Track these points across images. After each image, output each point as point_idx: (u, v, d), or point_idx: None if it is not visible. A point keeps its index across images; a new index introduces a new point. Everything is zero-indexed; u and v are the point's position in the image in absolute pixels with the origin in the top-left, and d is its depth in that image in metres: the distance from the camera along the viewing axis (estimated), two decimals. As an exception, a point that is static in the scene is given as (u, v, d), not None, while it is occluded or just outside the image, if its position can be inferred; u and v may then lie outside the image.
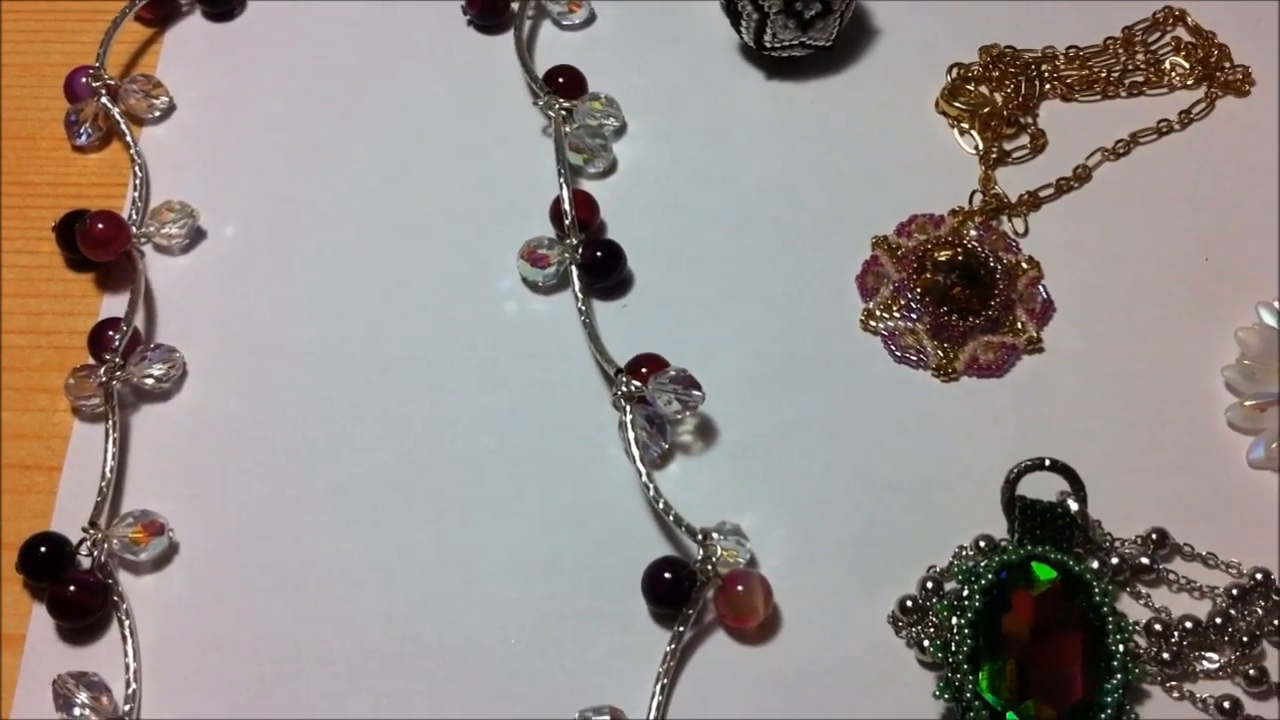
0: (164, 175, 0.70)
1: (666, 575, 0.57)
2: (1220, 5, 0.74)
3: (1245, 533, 0.59)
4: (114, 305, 0.66)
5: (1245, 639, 0.56)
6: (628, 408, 0.60)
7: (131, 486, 0.61)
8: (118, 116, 0.70)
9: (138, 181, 0.69)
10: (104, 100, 0.71)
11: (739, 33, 0.71)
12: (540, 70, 0.71)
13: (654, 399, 0.60)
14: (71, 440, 0.62)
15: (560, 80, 0.71)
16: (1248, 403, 0.61)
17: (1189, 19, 0.73)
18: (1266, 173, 0.68)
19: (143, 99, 0.71)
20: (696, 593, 0.57)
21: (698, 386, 0.60)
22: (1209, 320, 0.64)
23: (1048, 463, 0.57)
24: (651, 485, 0.58)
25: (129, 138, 0.70)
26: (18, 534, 0.59)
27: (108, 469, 0.60)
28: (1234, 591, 0.56)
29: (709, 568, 0.57)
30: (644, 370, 0.61)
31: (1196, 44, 0.72)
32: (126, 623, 0.57)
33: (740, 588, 0.56)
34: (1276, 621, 0.56)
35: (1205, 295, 0.65)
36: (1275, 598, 0.56)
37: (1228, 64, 0.71)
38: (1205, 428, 0.62)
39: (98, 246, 0.66)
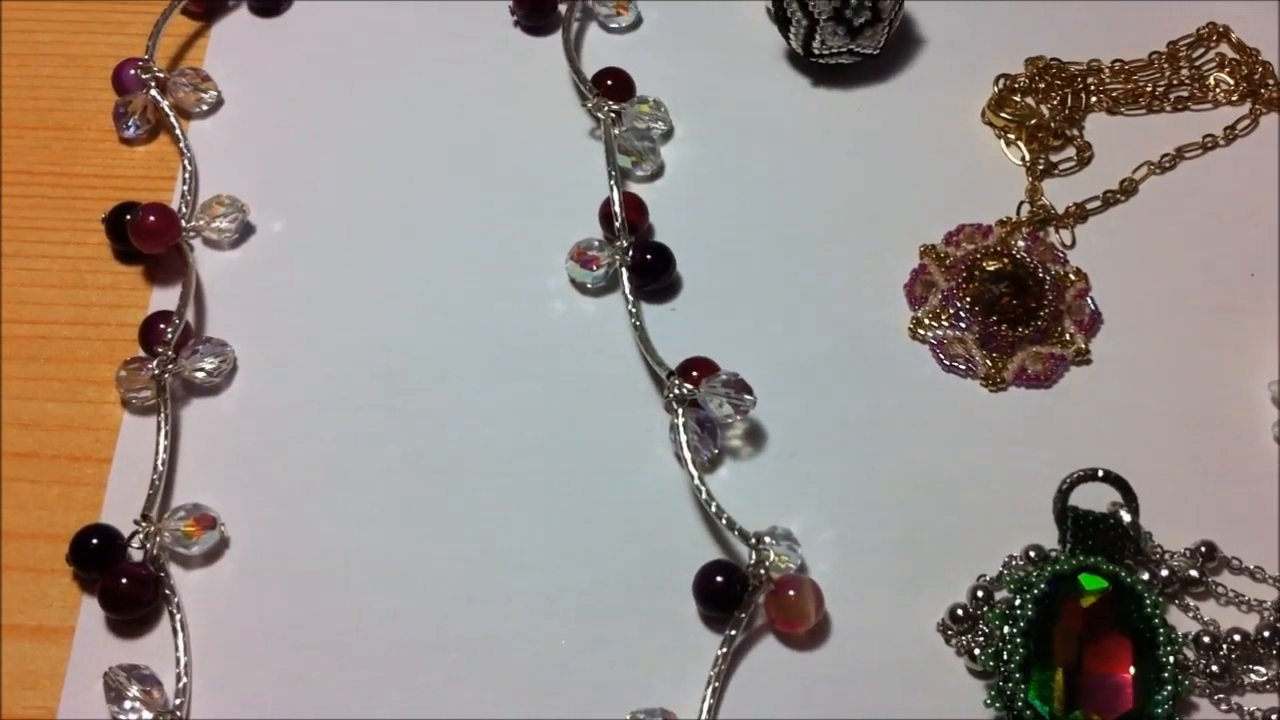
0: (211, 169, 0.70)
1: (719, 579, 0.57)
2: (1264, 23, 0.74)
3: (1292, 547, 0.59)
4: (162, 298, 0.66)
5: (1293, 653, 0.56)
6: (680, 410, 0.60)
7: (182, 480, 0.61)
8: (167, 109, 0.70)
9: (187, 175, 0.68)
10: (153, 93, 0.71)
11: (787, 39, 0.71)
12: (587, 72, 0.72)
13: (705, 402, 0.60)
14: (121, 433, 0.62)
15: (609, 82, 0.71)
16: (1295, 418, 0.61)
17: (1233, 35, 0.73)
18: (1310, 189, 0.69)
19: (191, 92, 0.71)
20: (749, 597, 0.57)
21: (749, 390, 0.60)
22: (1255, 334, 0.64)
23: (1101, 473, 0.58)
24: (704, 488, 0.58)
25: (178, 131, 0.70)
26: (66, 526, 0.59)
27: (159, 462, 0.60)
28: (1282, 606, 0.57)
29: (761, 572, 0.57)
30: (694, 374, 0.61)
31: (1240, 60, 0.73)
32: (178, 616, 0.57)
33: (792, 593, 0.56)
34: (1325, 636, 0.56)
35: (1251, 309, 0.65)
36: (1323, 612, 0.57)
37: (1271, 81, 0.72)
38: (1252, 442, 0.62)
39: (149, 238, 0.66)
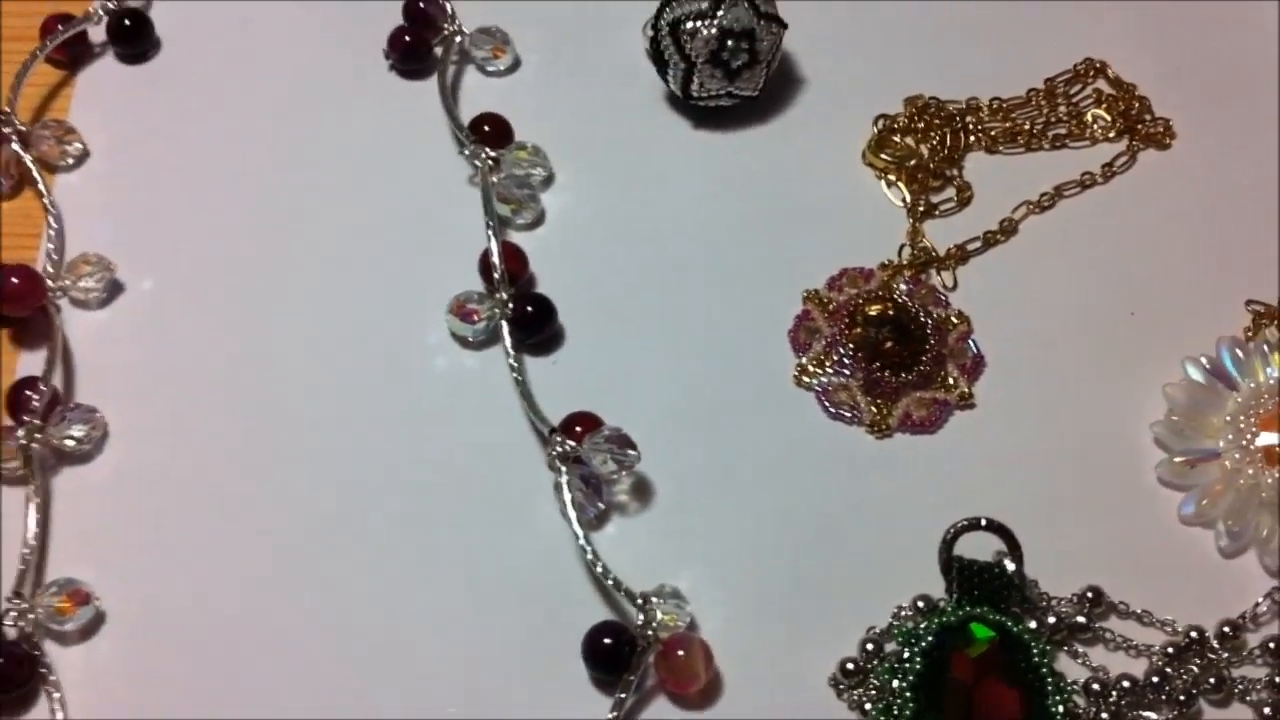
0: (78, 225, 0.68)
1: (607, 640, 0.56)
2: (1140, 58, 0.74)
3: (1178, 588, 0.60)
4: (30, 362, 0.64)
5: (1182, 697, 0.56)
6: (563, 469, 0.59)
7: (54, 552, 0.59)
8: (30, 164, 0.68)
9: (52, 233, 0.67)
10: (15, 146, 0.69)
11: (666, 81, 0.70)
12: (465, 117, 0.71)
13: (589, 459, 0.59)
14: (-9, 506, 0.61)
15: (486, 128, 0.70)
16: (1177, 459, 0.62)
17: (1110, 71, 0.74)
18: (1188, 225, 0.69)
19: (55, 145, 0.69)
20: (637, 658, 0.56)
21: (633, 445, 0.59)
22: (1136, 375, 0.64)
23: (984, 523, 0.58)
24: (589, 548, 0.58)
25: (42, 185, 0.68)
26: (-64, 604, 0.57)
27: (30, 536, 0.58)
28: (1169, 650, 0.57)
29: (649, 633, 0.56)
30: (578, 429, 0.60)
31: (1118, 96, 0.73)
32: (56, 696, 0.56)
33: (681, 652, 0.56)
34: (1212, 680, 0.56)
35: (1132, 349, 0.65)
36: (1210, 656, 0.57)
37: (1149, 116, 0.72)
38: (1136, 483, 0.62)
39: (13, 302, 0.64)
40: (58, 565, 0.59)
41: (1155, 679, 0.56)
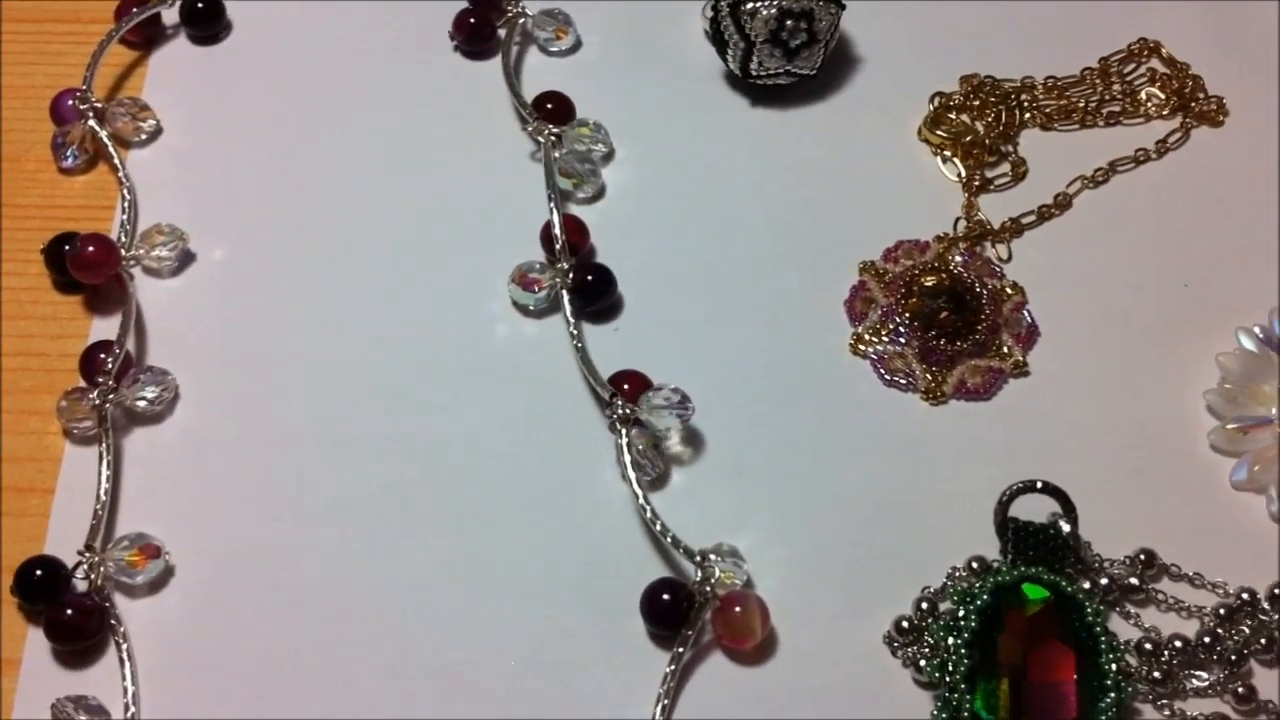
0: (151, 198, 0.70)
1: (665, 596, 0.57)
2: (1194, 38, 0.75)
3: (1230, 553, 0.60)
4: (103, 328, 0.66)
5: (1233, 657, 0.56)
6: (623, 430, 0.60)
7: (125, 509, 0.61)
8: (105, 139, 0.70)
9: (126, 204, 0.68)
10: (91, 123, 0.70)
11: (725, 60, 0.72)
12: (527, 96, 0.72)
13: (648, 420, 0.61)
14: (64, 463, 0.62)
15: (549, 106, 0.71)
16: (1229, 426, 0.62)
17: (1164, 50, 0.74)
18: (1242, 200, 0.69)
19: (130, 121, 0.71)
20: (695, 614, 0.57)
21: (688, 399, 0.61)
22: (1190, 344, 0.65)
23: (1039, 485, 0.58)
24: (648, 507, 0.59)
25: (116, 160, 0.70)
26: (11, 557, 0.59)
27: (102, 491, 0.60)
28: (1221, 611, 0.57)
29: (707, 589, 0.57)
30: (626, 387, 0.62)
31: (1171, 75, 0.74)
32: (124, 646, 0.57)
33: (738, 609, 0.57)
34: (1263, 640, 0.57)
35: (1185, 320, 0.66)
36: (1261, 617, 0.57)
37: (1201, 95, 0.73)
38: (1188, 450, 0.63)
39: (88, 269, 0.65)
40: (130, 522, 0.61)
41: (1207, 639, 0.57)
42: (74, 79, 0.72)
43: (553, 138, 0.70)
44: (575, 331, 0.65)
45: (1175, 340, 0.65)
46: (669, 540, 0.58)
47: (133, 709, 0.56)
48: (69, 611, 0.57)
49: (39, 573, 0.58)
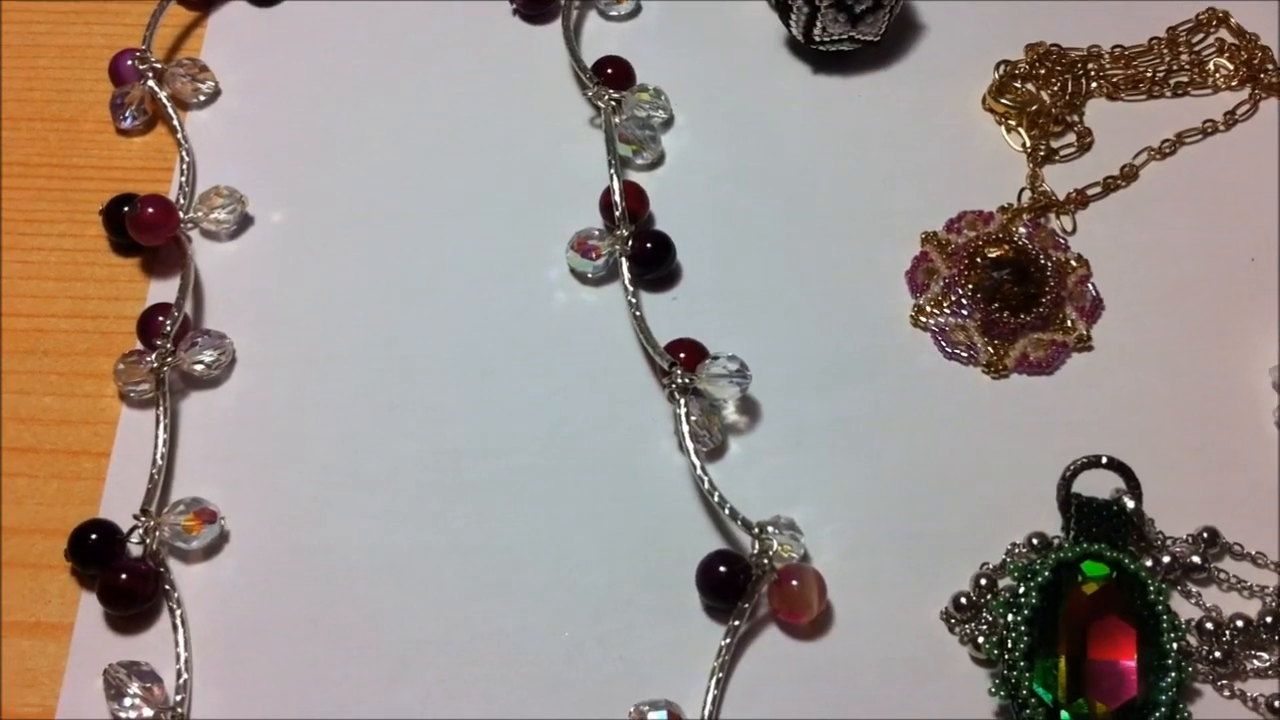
0: (209, 160, 0.70)
1: (721, 569, 0.57)
2: (1263, 8, 0.74)
3: (1294, 532, 0.59)
4: (160, 290, 0.66)
5: (1295, 639, 0.56)
6: (682, 400, 0.60)
7: (180, 473, 0.61)
8: (164, 100, 0.70)
9: (184, 166, 0.68)
10: (150, 83, 0.70)
11: (788, 26, 0.71)
12: (587, 61, 0.71)
13: (706, 389, 0.60)
14: (120, 426, 0.62)
15: (609, 71, 0.71)
16: (1296, 403, 0.61)
17: (1232, 21, 0.73)
18: (1311, 174, 0.69)
19: (189, 83, 0.71)
20: (751, 587, 0.57)
21: (746, 368, 0.60)
22: (1256, 320, 0.64)
23: (1104, 460, 0.58)
24: (706, 477, 0.58)
25: (175, 121, 0.70)
26: (64, 521, 0.59)
27: (159, 455, 0.60)
28: (1284, 591, 0.57)
29: (764, 562, 0.57)
30: (683, 355, 0.61)
31: (1240, 46, 0.72)
32: (178, 612, 0.57)
33: (795, 582, 0.56)
34: (1328, 622, 0.56)
35: (1251, 295, 0.65)
36: (1326, 599, 0.57)
37: (1270, 66, 0.72)
38: (1253, 427, 0.62)
39: (147, 231, 0.65)
40: (185, 486, 0.61)
41: (1269, 619, 0.56)
42: (133, 39, 0.72)
43: (613, 103, 0.69)
44: (634, 299, 0.64)
45: (1241, 315, 0.64)
46: (726, 512, 0.58)
47: (185, 675, 0.56)
48: (123, 576, 0.57)
49: (94, 536, 0.58)
